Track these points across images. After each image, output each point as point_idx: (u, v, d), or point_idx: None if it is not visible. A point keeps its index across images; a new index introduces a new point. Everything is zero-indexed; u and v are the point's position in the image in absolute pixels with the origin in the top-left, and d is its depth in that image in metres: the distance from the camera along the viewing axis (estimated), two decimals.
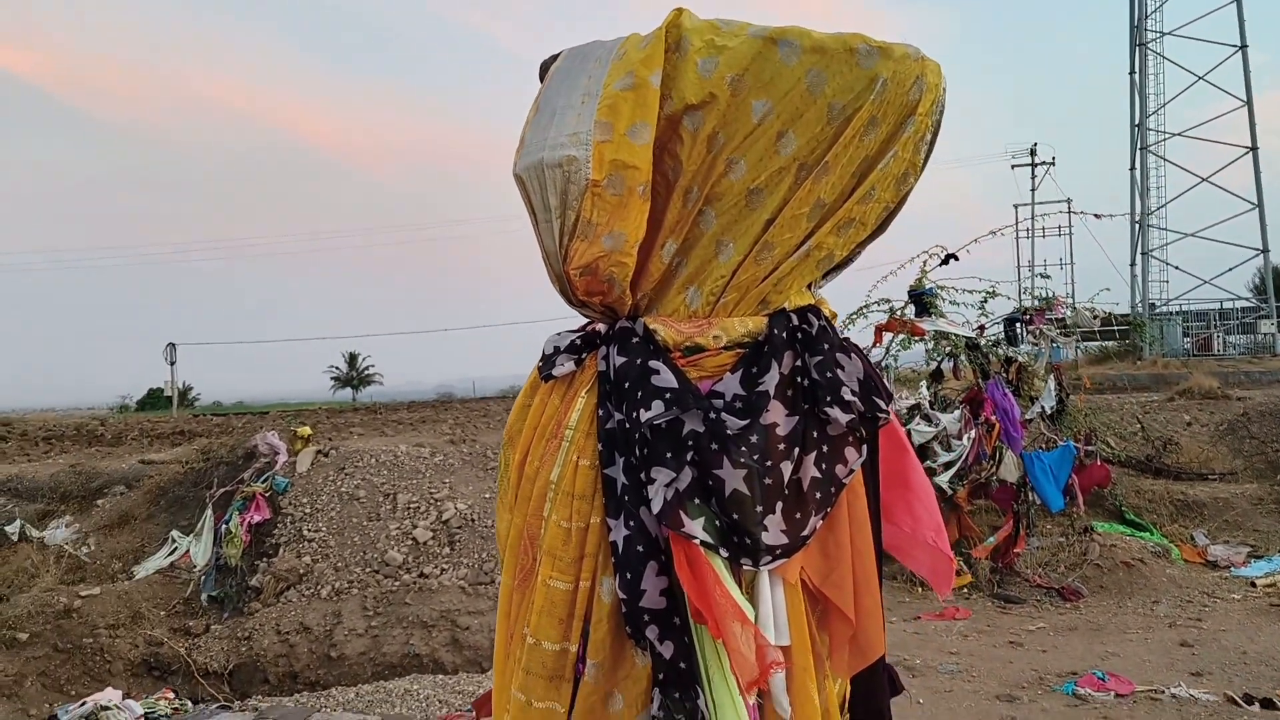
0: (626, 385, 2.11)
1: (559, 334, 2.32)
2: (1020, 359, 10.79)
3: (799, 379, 2.14)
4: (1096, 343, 29.67)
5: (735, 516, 2.01)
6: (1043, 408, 10.60)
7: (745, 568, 2.04)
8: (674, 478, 2.04)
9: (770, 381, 2.10)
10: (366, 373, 59.26)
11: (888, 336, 10.71)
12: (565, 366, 2.24)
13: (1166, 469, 13.03)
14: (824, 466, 2.11)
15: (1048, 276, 12.07)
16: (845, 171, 2.12)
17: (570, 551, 2.13)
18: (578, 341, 2.27)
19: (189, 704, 7.44)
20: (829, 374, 2.12)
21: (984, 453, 10.16)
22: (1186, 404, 16.19)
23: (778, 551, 2.04)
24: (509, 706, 2.22)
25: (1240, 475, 13.06)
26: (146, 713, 6.35)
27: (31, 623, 9.57)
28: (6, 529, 11.48)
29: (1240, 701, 6.56)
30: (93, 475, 13.43)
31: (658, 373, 2.08)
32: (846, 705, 2.26)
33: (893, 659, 8.21)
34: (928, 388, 11.22)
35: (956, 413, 10.57)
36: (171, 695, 7.67)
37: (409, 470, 11.88)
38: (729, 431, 2.05)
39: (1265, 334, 35.83)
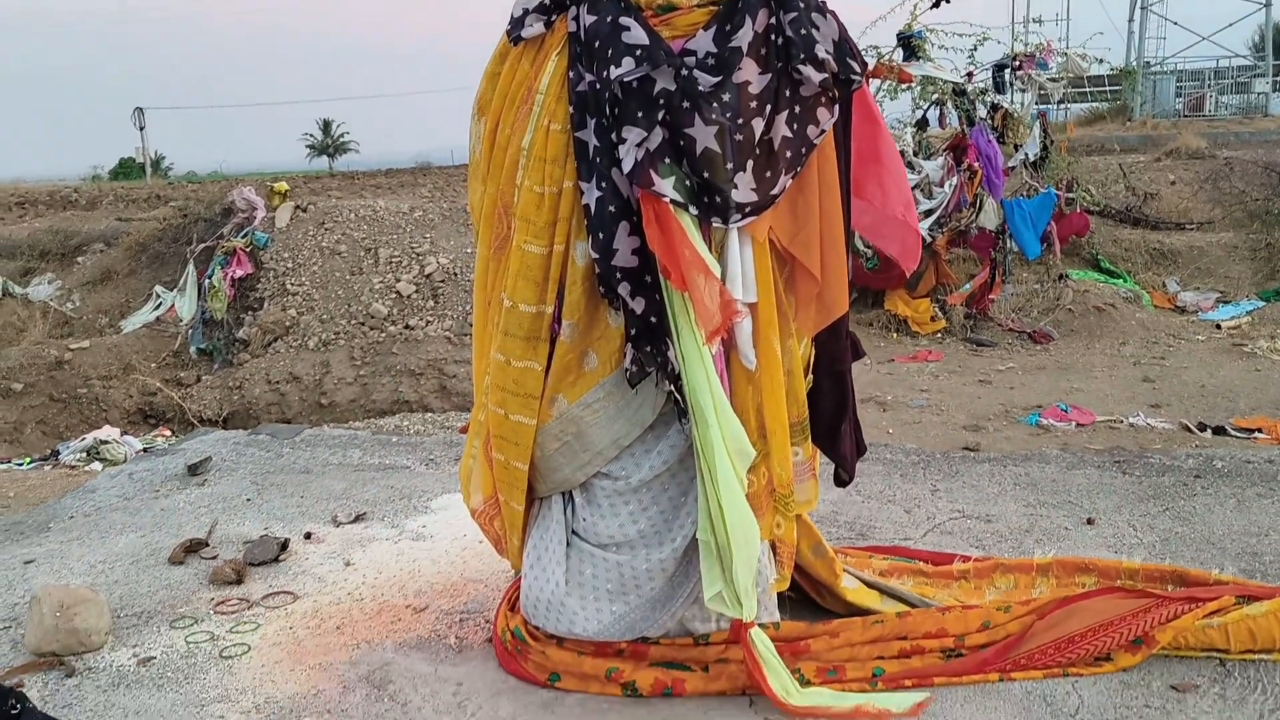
0: (597, 44, 2.07)
1: None
2: (1007, 106, 10.61)
3: (773, 36, 2.10)
4: (1087, 103, 29.11)
5: (706, 174, 2.02)
6: (1026, 154, 10.52)
7: (715, 225, 2.07)
8: (645, 137, 2.03)
9: (744, 38, 2.06)
10: (342, 140, 57.70)
11: (875, 83, 10.47)
12: (534, 28, 2.19)
13: (1145, 219, 13.07)
14: (795, 126, 2.10)
15: (1040, 22, 11.69)
16: None
17: (544, 216, 2.15)
18: (547, 2, 2.20)
19: None
20: (803, 31, 2.08)
21: (965, 200, 10.14)
22: (1172, 164, 16.04)
23: (747, 209, 2.07)
24: (489, 370, 2.30)
25: (1217, 224, 13.14)
26: (145, 447, 6.57)
27: (25, 374, 9.75)
28: None
29: (1194, 429, 6.87)
30: (71, 234, 13.34)
31: (628, 29, 2.04)
32: (811, 367, 2.36)
33: (865, 396, 8.47)
34: (913, 137, 11.06)
35: (940, 159, 10.48)
36: (169, 433, 7.94)
37: (389, 225, 11.82)
38: (701, 89, 2.03)
39: (1259, 94, 35.00)
